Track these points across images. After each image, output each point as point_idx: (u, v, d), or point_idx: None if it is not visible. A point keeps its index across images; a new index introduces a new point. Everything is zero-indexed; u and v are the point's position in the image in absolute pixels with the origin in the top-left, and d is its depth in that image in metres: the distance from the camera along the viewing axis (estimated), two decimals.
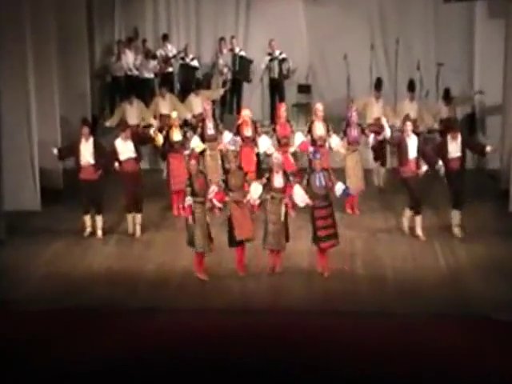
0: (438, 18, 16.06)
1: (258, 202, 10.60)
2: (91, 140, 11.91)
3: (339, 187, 10.63)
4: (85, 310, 9.78)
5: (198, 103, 14.39)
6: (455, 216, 11.80)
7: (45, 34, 13.48)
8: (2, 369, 8.42)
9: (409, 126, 11.78)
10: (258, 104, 15.84)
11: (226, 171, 10.96)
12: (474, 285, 10.33)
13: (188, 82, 15.57)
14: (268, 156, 12.67)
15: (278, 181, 10.61)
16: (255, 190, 10.62)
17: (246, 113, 13.08)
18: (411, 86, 14.17)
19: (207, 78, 16.00)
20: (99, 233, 12.08)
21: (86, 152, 11.85)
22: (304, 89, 16.29)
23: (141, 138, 12.75)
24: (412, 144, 11.70)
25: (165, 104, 14.39)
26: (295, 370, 8.35)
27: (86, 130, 11.89)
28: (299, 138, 12.66)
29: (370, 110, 13.89)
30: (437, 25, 16.11)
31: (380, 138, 12.77)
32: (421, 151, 11.69)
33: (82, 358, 8.59)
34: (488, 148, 11.92)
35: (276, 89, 15.94)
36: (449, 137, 11.77)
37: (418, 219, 11.80)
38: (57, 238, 12.00)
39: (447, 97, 14.32)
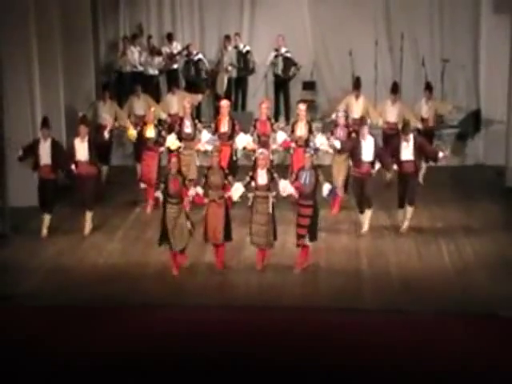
0: (444, 14, 15.99)
1: (237, 199, 10.60)
2: (49, 140, 11.86)
3: (326, 187, 10.58)
4: (88, 306, 9.77)
5: (175, 103, 14.33)
6: (402, 214, 11.84)
7: (50, 31, 13.48)
8: (4, 364, 8.42)
9: (365, 129, 11.74)
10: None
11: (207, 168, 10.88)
12: (480, 281, 10.30)
13: (194, 79, 15.55)
14: (249, 152, 12.65)
15: (262, 177, 10.53)
16: (236, 190, 10.56)
17: (223, 103, 13.02)
18: (394, 89, 13.97)
19: (212, 75, 15.97)
20: (44, 231, 11.97)
21: (44, 152, 11.81)
22: (309, 85, 16.23)
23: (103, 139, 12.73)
24: (367, 146, 11.65)
25: (139, 104, 14.28)
26: (299, 367, 8.33)
27: (45, 130, 11.86)
28: (281, 136, 12.60)
29: (350, 110, 13.75)
30: (442, 20, 16.03)
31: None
32: (377, 152, 11.65)
33: (84, 354, 8.58)
34: (441, 154, 11.79)
35: (280, 85, 15.91)
36: (402, 139, 11.68)
37: (366, 215, 11.82)
38: (61, 235, 12.01)
39: (428, 88, 14.16)
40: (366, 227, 11.87)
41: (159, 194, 10.47)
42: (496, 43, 14.90)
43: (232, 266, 10.85)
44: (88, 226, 12.06)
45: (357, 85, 14.03)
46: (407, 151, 11.63)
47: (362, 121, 12.08)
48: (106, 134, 12.45)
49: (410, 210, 11.85)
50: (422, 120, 13.94)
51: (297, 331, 9.04)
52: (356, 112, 13.79)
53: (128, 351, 8.68)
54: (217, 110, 15.90)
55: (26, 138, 12.52)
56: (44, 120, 12.09)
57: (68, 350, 8.69)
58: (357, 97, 13.92)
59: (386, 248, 11.42)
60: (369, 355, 8.53)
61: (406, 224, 11.87)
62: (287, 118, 15.53)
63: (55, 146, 11.93)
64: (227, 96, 15.89)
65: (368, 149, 11.68)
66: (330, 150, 12.57)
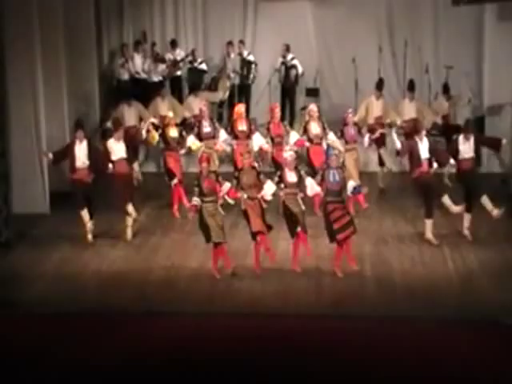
0: (447, 21, 16.00)
1: (270, 198, 10.76)
2: (85, 142, 11.91)
3: (350, 185, 10.74)
4: (92, 313, 9.78)
5: (197, 105, 14.43)
6: (466, 219, 11.83)
7: (53, 38, 13.49)
8: (8, 371, 8.41)
9: (423, 131, 11.78)
10: (266, 107, 15.78)
11: (237, 169, 11.07)
12: (484, 289, 10.29)
13: (197, 86, 15.59)
14: (262, 153, 12.87)
15: (291, 176, 10.71)
16: (269, 188, 10.70)
17: (239, 108, 13.24)
18: (411, 86, 14.24)
19: (215, 82, 16.01)
20: (89, 237, 11.99)
21: (82, 154, 11.84)
22: (312, 92, 16.28)
23: (135, 139, 12.82)
24: (423, 147, 11.69)
25: (164, 105, 14.41)
26: (303, 374, 8.31)
27: (80, 132, 11.89)
28: (294, 136, 12.79)
29: (371, 109, 13.97)
30: (446, 27, 16.06)
31: (375, 136, 12.90)
32: (433, 150, 11.69)
33: (89, 362, 8.57)
34: (504, 140, 12.02)
35: (287, 92, 15.97)
36: (461, 137, 11.80)
37: (429, 223, 11.77)
38: (65, 242, 11.99)
39: (446, 91, 14.40)
40: (429, 235, 11.78)
41: (197, 200, 10.54)
42: (500, 50, 14.90)
43: (236, 272, 10.83)
44: (132, 215, 12.07)
45: (379, 86, 14.16)
46: (468, 148, 11.66)
47: (416, 124, 12.33)
48: (144, 133, 12.56)
49: (468, 216, 11.76)
50: (443, 117, 14.12)
51: (300, 338, 9.03)
52: (376, 111, 13.96)
53: (131, 358, 8.67)
54: (220, 116, 16.04)
55: (30, 146, 12.59)
56: (78, 122, 12.17)
57: (72, 357, 8.68)
58: (378, 97, 14.08)
59: (390, 255, 11.41)
60: (372, 362, 8.51)
61: (467, 232, 11.82)
62: (291, 125, 15.56)
63: (92, 147, 11.99)
64: (231, 101, 15.97)
65: (425, 148, 11.65)
66: (341, 147, 12.66)
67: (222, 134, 13.01)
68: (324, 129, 12.84)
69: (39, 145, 12.90)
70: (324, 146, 12.72)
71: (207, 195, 10.57)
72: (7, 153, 12.22)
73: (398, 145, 12.34)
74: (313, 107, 13.09)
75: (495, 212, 11.73)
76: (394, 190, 13.75)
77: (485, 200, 11.77)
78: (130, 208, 12.00)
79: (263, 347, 8.84)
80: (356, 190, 10.86)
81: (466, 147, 11.72)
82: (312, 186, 10.68)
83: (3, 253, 11.64)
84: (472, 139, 11.72)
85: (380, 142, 13.77)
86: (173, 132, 13.02)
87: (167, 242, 12.02)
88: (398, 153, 12.61)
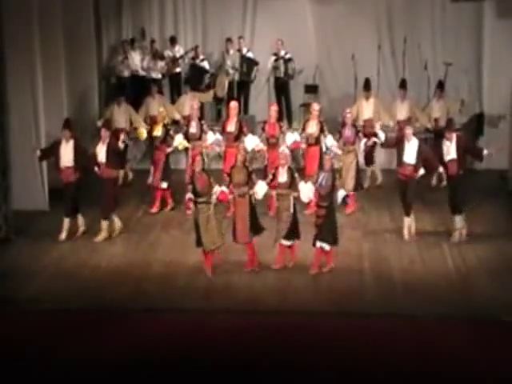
0: (446, 18, 15.98)
1: (261, 197, 10.70)
2: (71, 143, 11.85)
3: (340, 194, 10.65)
4: (91, 309, 9.79)
5: (187, 104, 14.37)
6: (454, 221, 11.76)
7: (52, 35, 13.52)
8: (8, 367, 8.43)
9: (409, 129, 11.71)
10: (265, 104, 15.79)
11: (232, 166, 10.99)
12: (483, 286, 10.29)
13: (196, 84, 15.58)
14: (257, 153, 12.79)
15: (282, 176, 10.63)
16: (260, 188, 10.64)
17: (231, 104, 13.14)
18: (402, 85, 14.22)
19: (213, 78, 15.99)
20: (81, 229, 12.07)
21: (65, 155, 11.81)
22: (311, 89, 16.24)
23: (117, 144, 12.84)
24: (410, 148, 11.58)
25: (155, 105, 14.35)
26: (302, 371, 8.32)
27: (66, 132, 11.84)
28: (291, 137, 12.70)
29: (361, 111, 13.95)
30: (445, 24, 16.03)
31: (370, 143, 12.86)
32: (423, 156, 11.57)
33: (88, 358, 8.59)
34: (485, 151, 11.76)
35: (281, 89, 15.94)
36: (444, 138, 11.68)
37: (407, 220, 11.76)
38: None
39: (440, 86, 14.31)
40: (405, 235, 11.77)
41: (190, 196, 10.52)
42: (499, 47, 14.92)
43: (235, 269, 10.85)
44: (103, 233, 12.03)
45: (367, 86, 14.17)
46: (450, 149, 11.50)
47: (370, 122, 12.22)
48: (121, 144, 12.39)
49: (456, 218, 11.69)
50: (434, 120, 14.06)
51: (299, 335, 9.04)
52: (366, 113, 13.93)
53: (130, 355, 8.67)
54: (218, 113, 16.01)
55: (29, 143, 12.59)
56: (66, 121, 12.12)
57: (71, 353, 8.69)
58: (367, 98, 14.04)
59: (389, 252, 11.41)
60: (371, 359, 8.52)
61: (456, 234, 11.71)
62: (289, 122, 15.56)
63: (78, 147, 11.91)
64: (230, 99, 15.94)
65: (411, 151, 11.57)
66: (339, 151, 12.62)
67: (210, 136, 12.86)
68: (323, 131, 12.71)
69: (38, 142, 12.90)
70: (323, 147, 12.62)
71: (200, 195, 10.48)
72: (7, 150, 12.23)
73: (382, 137, 12.29)
74: (315, 105, 13.00)
75: (455, 238, 11.67)
76: (392, 187, 13.74)
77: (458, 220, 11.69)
78: (114, 217, 12.02)
79: (261, 344, 8.85)
80: (343, 202, 10.78)
81: (448, 148, 11.52)
82: (307, 192, 10.56)
83: (3, 249, 11.66)
84: (454, 140, 11.49)
85: (370, 158, 13.91)
86: (157, 131, 12.91)
87: (166, 239, 12.03)
88: (382, 145, 12.57)
